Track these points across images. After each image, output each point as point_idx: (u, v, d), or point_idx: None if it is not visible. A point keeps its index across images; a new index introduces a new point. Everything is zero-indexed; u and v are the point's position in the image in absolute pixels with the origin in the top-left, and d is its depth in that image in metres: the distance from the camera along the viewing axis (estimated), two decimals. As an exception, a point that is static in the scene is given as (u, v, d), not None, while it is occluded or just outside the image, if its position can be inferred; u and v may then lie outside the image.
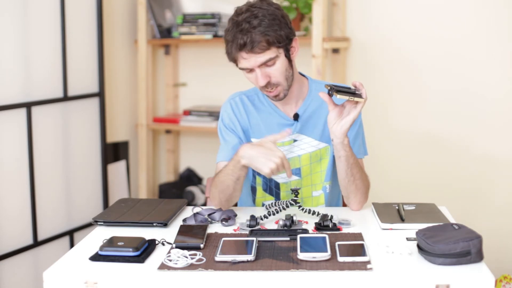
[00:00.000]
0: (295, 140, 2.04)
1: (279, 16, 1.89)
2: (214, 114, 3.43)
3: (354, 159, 1.91)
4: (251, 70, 1.91)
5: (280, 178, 2.06)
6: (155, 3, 3.48)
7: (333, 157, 2.01)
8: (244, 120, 2.07)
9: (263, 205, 2.10)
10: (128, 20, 3.53)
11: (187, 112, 3.52)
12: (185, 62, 3.71)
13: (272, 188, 2.08)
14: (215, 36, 3.34)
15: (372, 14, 3.28)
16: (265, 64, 1.88)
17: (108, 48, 3.30)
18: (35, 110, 2.74)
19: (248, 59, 1.87)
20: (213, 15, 3.35)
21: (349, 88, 1.81)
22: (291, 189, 1.86)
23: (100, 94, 3.14)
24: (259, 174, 2.08)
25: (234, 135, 2.06)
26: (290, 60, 1.94)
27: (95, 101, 3.14)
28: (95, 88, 3.13)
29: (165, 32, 3.50)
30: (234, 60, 1.92)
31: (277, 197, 2.08)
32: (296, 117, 2.03)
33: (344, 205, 2.22)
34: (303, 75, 2.09)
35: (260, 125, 2.05)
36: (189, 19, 3.41)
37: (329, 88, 1.80)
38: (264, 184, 2.09)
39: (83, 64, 3.05)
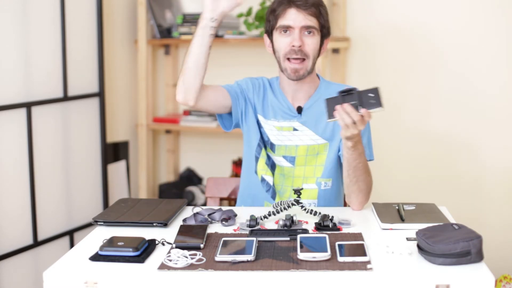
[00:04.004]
0: (295, 129, 2.07)
1: (327, 9, 2.05)
2: (214, 114, 3.42)
3: (359, 163, 1.91)
4: (288, 31, 1.98)
5: (275, 160, 2.09)
6: (155, 3, 3.49)
7: (337, 155, 2.06)
8: (259, 97, 2.12)
9: (262, 178, 2.11)
10: (128, 20, 3.53)
11: (187, 112, 3.52)
12: (185, 62, 3.71)
13: (270, 166, 2.11)
14: (215, 36, 3.33)
15: (372, 14, 3.29)
16: (306, 29, 1.98)
17: (108, 48, 3.30)
18: (35, 110, 2.74)
19: (297, 16, 1.97)
20: (213, 15, 3.35)
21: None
22: (293, 189, 1.86)
23: (100, 94, 3.14)
24: (265, 147, 2.11)
25: (239, 90, 2.11)
26: (319, 51, 2.04)
27: (95, 101, 3.14)
28: (95, 88, 3.13)
29: (165, 32, 3.50)
30: (276, 17, 2.00)
31: (272, 175, 2.10)
32: (299, 110, 2.07)
33: (345, 204, 2.22)
34: (317, 75, 2.15)
35: (269, 107, 2.11)
36: (189, 19, 3.41)
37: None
38: (267, 159, 2.11)
39: (83, 64, 3.05)
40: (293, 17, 1.97)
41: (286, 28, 1.99)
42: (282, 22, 1.99)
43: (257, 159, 2.13)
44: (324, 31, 2.03)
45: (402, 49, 3.25)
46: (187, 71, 1.98)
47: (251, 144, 2.14)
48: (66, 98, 2.92)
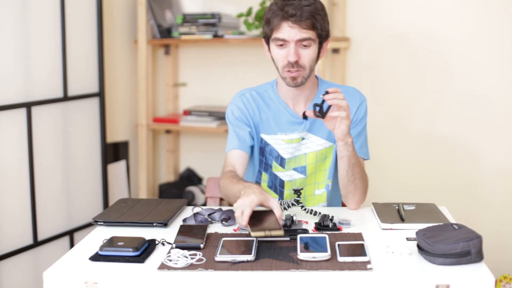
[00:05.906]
0: (303, 138, 2.06)
1: (325, 10, 1.97)
2: (214, 114, 3.43)
3: (356, 159, 1.92)
4: (284, 44, 1.93)
5: (286, 176, 2.07)
6: (155, 3, 3.48)
7: (336, 155, 2.04)
8: (256, 115, 2.08)
9: None
10: (128, 20, 3.53)
11: (187, 112, 3.52)
12: (185, 62, 3.71)
13: (277, 186, 2.10)
14: (215, 36, 3.34)
15: (372, 14, 3.29)
16: (302, 42, 1.92)
17: (108, 48, 3.30)
18: (35, 110, 2.74)
19: (291, 30, 1.90)
20: (213, 15, 3.35)
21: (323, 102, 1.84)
22: (293, 189, 1.87)
23: (100, 94, 3.14)
24: (265, 171, 2.10)
25: (245, 126, 2.07)
26: (317, 56, 1.99)
27: (95, 101, 3.14)
28: (95, 88, 3.13)
29: (165, 32, 3.50)
30: (271, 29, 1.94)
31: (281, 195, 2.09)
32: (305, 116, 2.04)
33: (343, 204, 2.22)
34: (315, 76, 2.12)
35: (270, 121, 2.07)
36: (189, 19, 3.41)
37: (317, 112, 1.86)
38: (270, 181, 2.11)
39: (83, 64, 3.05)
40: (289, 31, 1.90)
41: (282, 41, 1.93)
42: (276, 35, 1.93)
43: (258, 184, 2.12)
44: (323, 37, 1.97)
45: (402, 49, 3.25)
46: (227, 197, 1.98)
47: (254, 169, 2.13)
48: (66, 98, 2.92)
